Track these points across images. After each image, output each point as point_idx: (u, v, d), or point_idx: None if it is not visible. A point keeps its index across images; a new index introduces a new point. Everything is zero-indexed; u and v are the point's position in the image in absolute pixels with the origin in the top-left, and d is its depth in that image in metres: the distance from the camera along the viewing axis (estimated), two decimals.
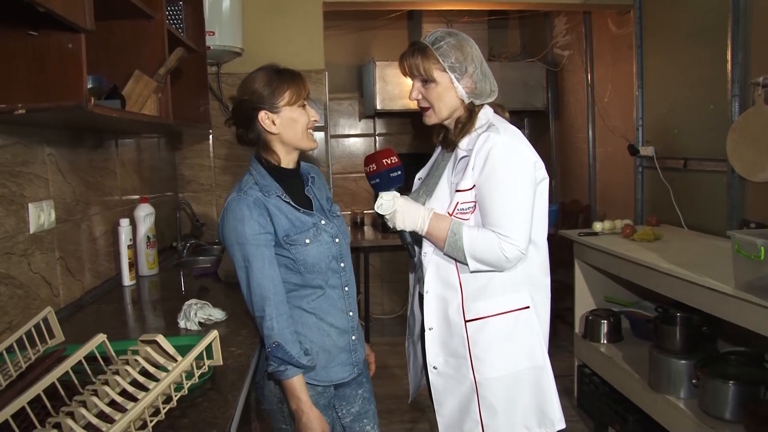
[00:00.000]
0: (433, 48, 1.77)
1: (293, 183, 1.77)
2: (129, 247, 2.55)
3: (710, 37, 3.20)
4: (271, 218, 1.65)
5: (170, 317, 2.05)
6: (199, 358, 1.26)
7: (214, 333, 1.29)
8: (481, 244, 1.73)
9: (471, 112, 1.84)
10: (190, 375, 1.23)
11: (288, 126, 1.69)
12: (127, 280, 2.56)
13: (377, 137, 5.48)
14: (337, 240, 1.78)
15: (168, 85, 2.33)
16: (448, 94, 1.80)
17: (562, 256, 4.25)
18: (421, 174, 2.05)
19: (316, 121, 1.75)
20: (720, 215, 3.14)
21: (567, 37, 4.99)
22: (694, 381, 2.57)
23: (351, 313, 1.83)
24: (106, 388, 1.10)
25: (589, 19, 4.60)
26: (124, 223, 2.54)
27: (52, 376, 1.16)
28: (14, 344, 1.38)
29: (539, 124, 5.56)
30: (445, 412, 1.89)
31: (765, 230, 2.41)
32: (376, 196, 1.84)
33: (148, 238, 2.72)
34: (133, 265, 2.59)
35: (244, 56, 3.59)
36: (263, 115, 1.67)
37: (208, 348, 1.29)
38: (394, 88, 4.88)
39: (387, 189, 1.82)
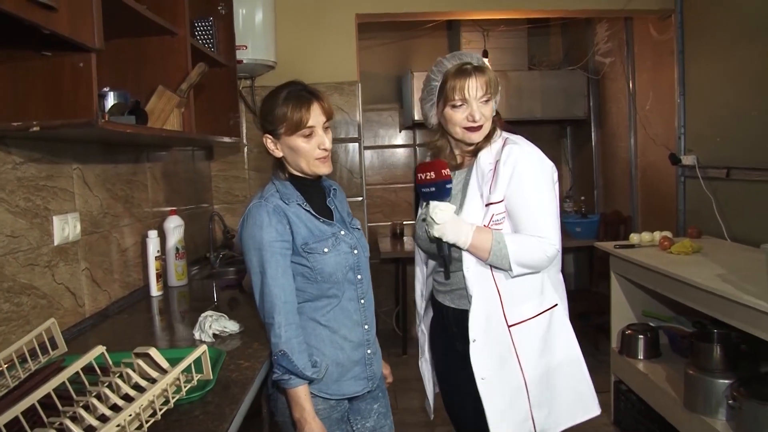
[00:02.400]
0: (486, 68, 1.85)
1: (315, 192, 1.79)
2: (157, 258, 2.60)
3: (754, 42, 3.08)
4: (290, 226, 1.66)
5: (185, 329, 2.08)
6: (189, 371, 1.26)
7: (203, 347, 1.30)
8: (527, 249, 1.81)
9: (495, 124, 1.91)
10: (178, 389, 1.24)
11: (289, 153, 1.70)
12: (155, 290, 2.61)
13: (417, 148, 5.47)
14: (355, 251, 1.78)
15: (191, 100, 2.38)
16: (491, 111, 1.88)
17: (601, 268, 4.14)
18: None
19: (326, 149, 1.71)
20: (764, 227, 3.00)
21: (608, 44, 4.88)
22: (731, 402, 2.45)
23: (366, 326, 1.82)
24: (95, 401, 1.11)
25: (630, 25, 4.49)
26: (152, 234, 2.60)
27: (47, 387, 1.19)
28: (13, 354, 1.42)
29: (580, 134, 5.45)
30: (496, 418, 1.88)
31: None
32: (417, 204, 1.90)
33: (177, 249, 2.77)
34: (161, 276, 2.64)
35: (277, 69, 3.64)
36: (266, 139, 1.72)
37: (199, 362, 1.29)
38: None
39: (439, 199, 1.83)
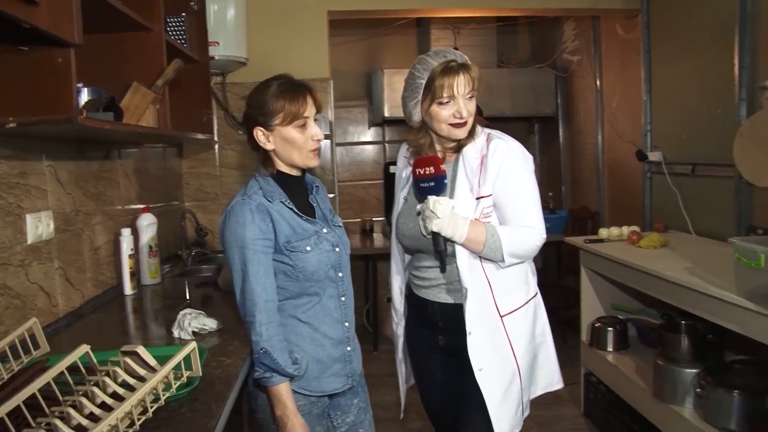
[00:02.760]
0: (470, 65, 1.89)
1: (297, 189, 1.78)
2: (130, 256, 2.57)
3: (717, 41, 3.17)
4: (273, 224, 1.66)
5: (169, 326, 2.05)
6: (178, 368, 1.26)
7: (193, 344, 1.29)
8: (519, 240, 1.87)
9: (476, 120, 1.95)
10: (168, 386, 1.24)
11: (282, 145, 1.69)
12: (129, 289, 2.58)
13: (386, 144, 5.49)
14: (337, 249, 1.78)
15: (166, 96, 2.36)
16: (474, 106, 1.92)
17: (570, 263, 4.21)
18: (404, 193, 2.06)
19: (319, 140, 1.72)
20: (728, 221, 3.10)
21: (576, 43, 4.97)
22: (698, 390, 2.53)
23: (347, 324, 1.82)
24: (84, 400, 1.10)
25: (597, 24, 4.57)
26: (125, 232, 2.57)
27: (33, 387, 1.17)
28: None
29: (548, 130, 5.53)
30: (496, 406, 1.91)
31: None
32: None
33: (150, 247, 2.74)
34: (135, 274, 2.61)
35: (249, 66, 3.61)
36: (258, 131, 1.68)
37: (188, 359, 1.29)
38: None
39: (437, 194, 1.85)
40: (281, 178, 1.74)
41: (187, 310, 1.99)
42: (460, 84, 1.83)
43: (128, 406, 1.05)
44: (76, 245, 2.30)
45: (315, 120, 1.72)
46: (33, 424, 1.14)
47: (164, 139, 3.25)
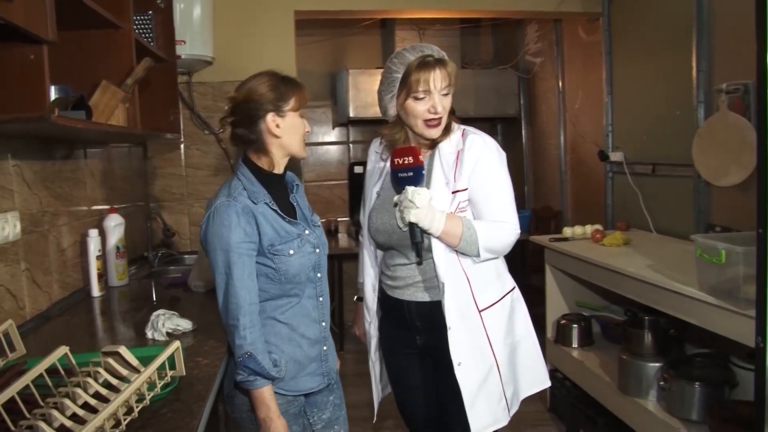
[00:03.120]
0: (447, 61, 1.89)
1: (279, 189, 1.77)
2: (98, 257, 2.53)
3: (676, 46, 3.27)
4: (258, 227, 1.64)
5: (139, 328, 2.03)
6: (162, 368, 1.25)
7: (177, 343, 1.29)
8: (495, 235, 1.89)
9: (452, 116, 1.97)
10: (152, 386, 1.23)
11: (289, 131, 1.70)
12: (96, 291, 2.54)
13: (351, 145, 5.50)
14: (317, 250, 1.78)
15: (136, 95, 2.33)
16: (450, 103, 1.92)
17: (535, 262, 4.28)
18: (377, 188, 2.04)
19: (308, 132, 1.77)
20: (687, 219, 3.19)
21: (538, 45, 5.05)
22: (661, 383, 2.61)
23: (324, 323, 1.83)
24: (67, 401, 1.09)
25: (559, 27, 4.66)
26: (93, 233, 2.52)
27: (12, 390, 1.15)
28: None
29: (511, 131, 5.62)
30: (472, 399, 1.91)
31: (728, 234, 2.46)
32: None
33: (118, 248, 2.70)
34: (102, 275, 2.57)
35: (215, 65, 3.59)
36: (270, 118, 1.67)
37: (171, 358, 1.28)
38: (367, 95, 4.90)
39: (416, 185, 1.85)
40: (264, 177, 1.73)
41: (161, 311, 1.97)
42: (437, 79, 1.83)
43: (115, 406, 1.04)
44: (43, 246, 2.26)
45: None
46: (13, 428, 1.12)
47: (130, 139, 3.20)
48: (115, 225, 2.70)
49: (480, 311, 1.94)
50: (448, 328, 1.89)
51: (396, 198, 1.89)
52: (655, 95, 3.52)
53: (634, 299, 2.67)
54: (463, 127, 1.97)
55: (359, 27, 5.13)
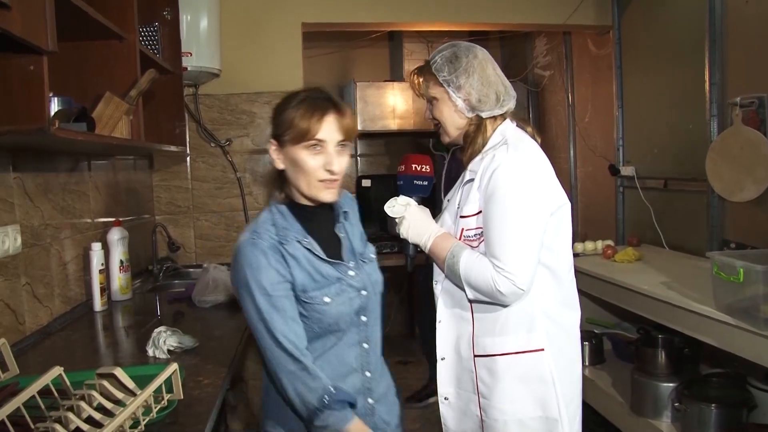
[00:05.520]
0: (430, 63, 1.75)
1: (321, 220, 1.52)
2: (101, 271, 2.49)
3: (688, 58, 3.22)
4: (288, 267, 1.41)
5: (141, 344, 1.98)
6: (158, 391, 1.20)
7: (174, 366, 1.24)
8: (475, 272, 1.60)
9: (478, 126, 1.73)
10: (148, 410, 1.18)
11: (291, 167, 1.44)
12: (99, 305, 2.49)
13: (358, 158, 5.46)
14: (363, 292, 1.51)
15: (140, 107, 2.30)
16: (449, 109, 1.74)
17: None
18: (449, 196, 1.86)
19: (332, 173, 1.42)
20: (701, 235, 3.13)
21: (547, 58, 5.01)
22: (676, 404, 2.53)
23: (368, 373, 1.54)
24: (58, 427, 1.04)
25: (569, 40, 4.62)
26: (96, 247, 2.48)
27: (3, 412, 1.10)
28: None
29: None
30: None
31: (744, 251, 2.40)
32: (404, 194, 1.77)
33: (122, 262, 2.66)
34: (105, 290, 2.53)
35: (221, 77, 3.56)
36: (270, 145, 1.46)
37: (168, 380, 1.23)
38: (375, 108, 4.87)
39: (408, 194, 1.76)
40: (299, 208, 1.49)
41: (162, 328, 1.93)
42: (412, 85, 1.84)
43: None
44: (44, 260, 2.22)
45: (342, 147, 1.44)
46: None
47: (135, 151, 3.18)
48: (119, 238, 2.67)
49: (475, 356, 1.70)
50: (440, 358, 1.79)
51: (392, 204, 1.77)
52: (667, 109, 3.47)
53: (648, 317, 2.60)
54: (506, 142, 1.66)
55: (367, 39, 5.11)
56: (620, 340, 3.31)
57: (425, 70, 1.77)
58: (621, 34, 3.86)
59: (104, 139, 1.98)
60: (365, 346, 1.53)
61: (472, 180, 1.70)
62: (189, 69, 3.28)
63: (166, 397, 1.25)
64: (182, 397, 1.33)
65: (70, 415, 1.07)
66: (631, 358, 3.02)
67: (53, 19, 1.43)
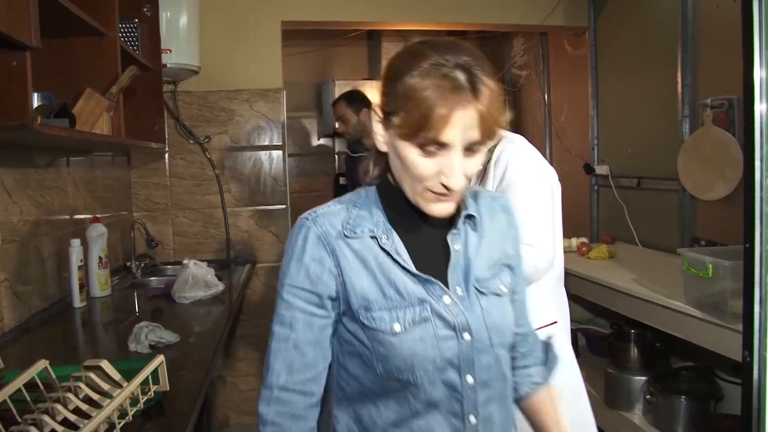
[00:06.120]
0: None
1: (426, 217, 1.05)
2: (80, 268, 2.48)
3: (661, 61, 3.30)
4: (339, 271, 1.03)
5: (121, 340, 1.99)
6: (145, 383, 1.22)
7: (161, 357, 1.26)
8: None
9: None
10: (135, 401, 1.20)
11: (394, 157, 1.03)
12: (78, 302, 2.48)
13: (336, 156, 5.48)
14: (465, 336, 1.03)
15: (120, 104, 2.30)
16: None
17: None
18: None
19: (447, 183, 0.96)
20: (672, 233, 3.21)
21: (524, 58, 5.08)
22: (648, 397, 2.60)
23: None
24: (46, 418, 1.06)
25: (545, 41, 4.69)
26: (75, 243, 2.47)
27: None
28: None
29: None
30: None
31: (714, 248, 2.47)
32: None
33: (100, 258, 2.65)
34: (84, 286, 2.52)
35: (201, 74, 3.55)
36: (374, 116, 1.04)
37: (154, 373, 1.25)
38: None
39: None
40: (394, 196, 1.07)
41: (144, 323, 1.94)
42: None
43: (96, 423, 1.01)
44: (23, 256, 2.21)
45: (473, 151, 0.98)
46: None
47: (113, 148, 3.16)
48: (98, 235, 2.66)
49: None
50: None
51: None
52: (640, 109, 3.55)
53: (621, 313, 2.67)
54: (505, 134, 1.76)
55: (346, 38, 5.13)
56: (594, 336, 3.39)
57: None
58: (597, 35, 3.93)
59: (85, 136, 1.98)
60: (472, 420, 1.05)
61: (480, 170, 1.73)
62: (168, 66, 3.27)
63: (153, 388, 1.27)
64: (168, 388, 1.35)
65: (58, 407, 1.09)
66: (605, 353, 3.09)
67: (36, 14, 1.44)
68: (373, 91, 4.98)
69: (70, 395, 1.14)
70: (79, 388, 1.17)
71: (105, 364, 1.20)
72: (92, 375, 1.20)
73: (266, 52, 3.78)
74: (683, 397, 2.48)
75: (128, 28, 2.78)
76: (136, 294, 2.85)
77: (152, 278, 3.23)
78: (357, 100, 3.93)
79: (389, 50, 5.24)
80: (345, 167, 4.19)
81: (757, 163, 1.67)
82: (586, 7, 3.96)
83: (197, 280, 2.57)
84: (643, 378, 2.70)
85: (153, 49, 2.96)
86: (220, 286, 2.64)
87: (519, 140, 1.78)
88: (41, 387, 1.23)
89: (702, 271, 2.09)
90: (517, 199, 1.63)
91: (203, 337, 2.07)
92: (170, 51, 3.27)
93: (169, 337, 1.94)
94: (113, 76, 2.23)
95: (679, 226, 3.15)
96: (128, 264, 3.30)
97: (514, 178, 1.67)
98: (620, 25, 3.72)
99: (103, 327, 2.35)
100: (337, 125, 4.14)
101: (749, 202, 1.70)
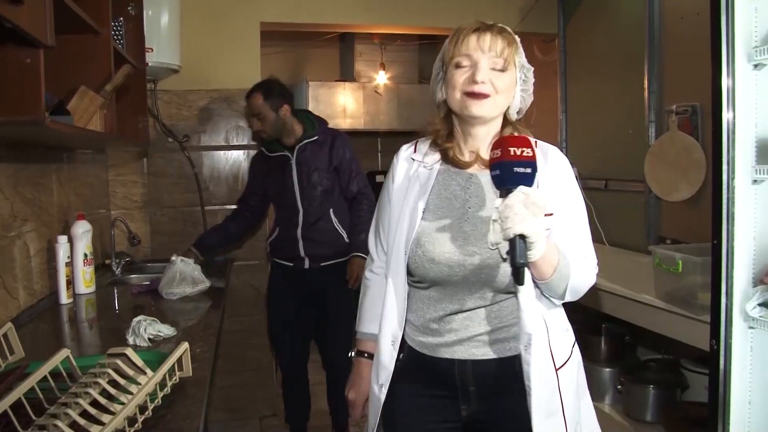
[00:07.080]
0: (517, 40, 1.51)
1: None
2: (67, 264, 2.49)
3: (629, 67, 3.45)
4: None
5: (110, 335, 2.03)
6: (170, 369, 1.28)
7: (185, 345, 1.32)
8: (582, 272, 1.45)
9: (505, 122, 1.53)
10: (163, 385, 1.25)
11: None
12: (65, 298, 2.49)
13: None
14: None
15: (113, 102, 2.32)
16: (512, 89, 1.48)
17: None
18: (423, 204, 1.50)
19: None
20: (639, 232, 3.37)
21: None
22: (618, 387, 2.74)
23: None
24: (80, 400, 1.11)
25: None
26: (62, 240, 2.49)
27: (19, 392, 1.16)
28: None
29: None
30: None
31: (680, 245, 2.62)
32: (501, 191, 1.27)
33: (86, 255, 2.66)
34: (71, 283, 2.54)
35: (181, 73, 3.58)
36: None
37: (178, 360, 1.31)
38: (327, 107, 4.97)
39: (507, 187, 1.25)
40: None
41: (142, 317, 1.97)
42: (484, 41, 1.41)
43: (133, 405, 1.06)
44: (12, 252, 2.22)
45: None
46: (20, 430, 1.12)
47: (93, 145, 3.16)
48: (83, 231, 2.67)
49: (557, 370, 1.45)
50: (528, 389, 1.40)
51: (500, 202, 1.24)
52: (608, 114, 3.71)
53: (592, 307, 2.80)
54: (533, 139, 1.46)
55: (320, 40, 5.19)
56: None
57: (512, 39, 1.49)
58: (566, 42, 4.08)
59: (89, 133, 2.01)
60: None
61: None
62: (150, 64, 3.29)
63: (178, 374, 1.33)
64: (191, 374, 1.40)
65: (91, 391, 1.14)
66: None
67: (52, 14, 1.48)
68: (346, 92, 5.07)
69: (101, 381, 1.18)
70: (108, 373, 1.22)
71: (130, 352, 1.25)
72: (119, 362, 1.25)
73: (245, 53, 3.82)
74: (651, 386, 2.62)
75: (114, 27, 2.79)
76: (120, 291, 2.86)
77: (132, 276, 3.24)
78: (275, 93, 3.11)
79: (361, 52, 5.33)
80: (252, 168, 3.44)
81: (725, 167, 1.80)
82: (556, 14, 4.11)
83: (185, 276, 2.61)
84: (612, 369, 2.84)
85: (137, 47, 2.98)
86: (207, 283, 2.68)
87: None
88: (65, 376, 1.27)
89: (673, 267, 2.23)
90: (576, 213, 1.52)
91: (197, 330, 2.12)
92: (152, 50, 3.29)
93: (166, 330, 1.98)
94: (106, 74, 2.26)
95: (646, 226, 3.31)
96: (107, 262, 3.30)
97: (572, 191, 1.51)
98: (589, 32, 3.88)
99: (94, 322, 2.36)
100: (250, 122, 3.46)
101: (717, 203, 1.83)
